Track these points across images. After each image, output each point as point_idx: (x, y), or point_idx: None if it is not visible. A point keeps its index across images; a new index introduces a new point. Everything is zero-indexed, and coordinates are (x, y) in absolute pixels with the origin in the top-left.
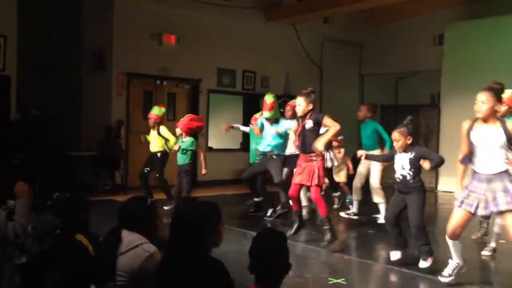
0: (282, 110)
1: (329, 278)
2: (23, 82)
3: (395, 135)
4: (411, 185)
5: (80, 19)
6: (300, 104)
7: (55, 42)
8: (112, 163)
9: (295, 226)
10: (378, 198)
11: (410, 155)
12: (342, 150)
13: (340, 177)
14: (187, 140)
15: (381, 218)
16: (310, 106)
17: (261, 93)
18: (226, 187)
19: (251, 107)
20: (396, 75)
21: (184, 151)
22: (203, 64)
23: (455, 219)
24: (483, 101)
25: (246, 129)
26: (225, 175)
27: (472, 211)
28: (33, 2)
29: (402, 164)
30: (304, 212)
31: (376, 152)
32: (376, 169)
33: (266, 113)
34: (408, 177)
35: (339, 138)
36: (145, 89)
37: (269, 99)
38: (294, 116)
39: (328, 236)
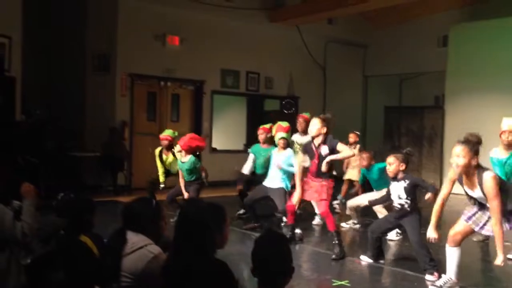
0: (285, 112)
1: (333, 280)
2: (26, 83)
3: (391, 158)
4: (407, 210)
5: (84, 21)
6: (316, 124)
7: (58, 44)
8: (116, 164)
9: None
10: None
11: (404, 183)
12: (357, 146)
13: (352, 175)
14: (187, 160)
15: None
16: (324, 130)
17: (265, 94)
18: (229, 188)
19: (255, 108)
20: (400, 77)
21: (189, 171)
22: (207, 65)
23: (458, 227)
24: (458, 155)
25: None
26: (228, 176)
27: (476, 229)
28: (36, 4)
29: (398, 194)
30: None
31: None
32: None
33: (283, 134)
34: (406, 206)
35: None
36: (149, 90)
37: (284, 123)
38: (306, 128)
39: (337, 249)
